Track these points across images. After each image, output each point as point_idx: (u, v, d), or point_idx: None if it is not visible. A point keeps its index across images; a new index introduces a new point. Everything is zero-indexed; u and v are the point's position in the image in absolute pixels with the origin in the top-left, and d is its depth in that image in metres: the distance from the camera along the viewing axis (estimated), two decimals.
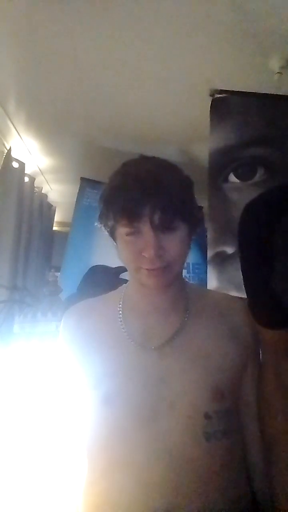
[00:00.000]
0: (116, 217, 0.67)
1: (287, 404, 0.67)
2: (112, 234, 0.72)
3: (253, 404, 0.73)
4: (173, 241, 0.67)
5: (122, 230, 0.67)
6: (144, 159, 0.73)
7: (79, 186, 2.86)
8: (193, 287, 0.85)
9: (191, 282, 2.73)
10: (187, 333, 0.73)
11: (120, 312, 0.78)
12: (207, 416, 0.67)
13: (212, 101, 1.68)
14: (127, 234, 0.67)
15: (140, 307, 0.78)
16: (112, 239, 0.74)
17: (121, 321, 0.77)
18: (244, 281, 0.73)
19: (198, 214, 0.74)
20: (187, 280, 0.85)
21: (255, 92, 1.64)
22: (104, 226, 0.72)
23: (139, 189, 0.65)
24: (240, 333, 0.75)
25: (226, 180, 1.65)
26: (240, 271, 0.72)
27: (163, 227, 0.65)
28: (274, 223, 0.68)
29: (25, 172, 2.56)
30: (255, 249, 0.70)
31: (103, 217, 0.71)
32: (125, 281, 0.84)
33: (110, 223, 0.69)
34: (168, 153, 2.35)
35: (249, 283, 0.71)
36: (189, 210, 0.70)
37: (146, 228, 0.65)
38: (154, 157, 0.74)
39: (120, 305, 0.79)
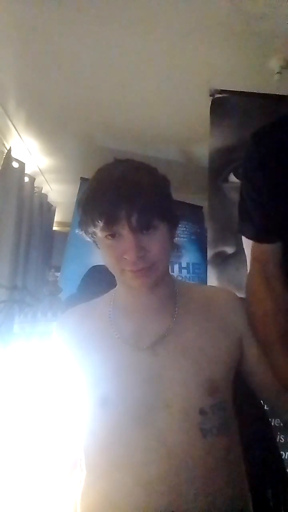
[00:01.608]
0: (94, 222, 0.67)
1: (277, 306, 0.76)
2: (94, 239, 0.73)
3: (260, 372, 0.76)
4: (154, 241, 0.68)
5: (102, 235, 0.68)
6: (117, 163, 0.74)
7: (79, 186, 2.86)
8: (182, 283, 0.86)
9: (191, 282, 2.73)
10: (177, 330, 0.74)
11: (110, 315, 0.79)
12: (202, 412, 0.67)
13: (212, 101, 1.69)
14: (108, 238, 0.68)
15: (129, 308, 0.78)
16: (94, 244, 0.75)
17: (111, 323, 0.77)
18: (240, 201, 0.84)
19: (176, 212, 0.74)
20: (185, 279, 0.86)
21: (255, 92, 1.64)
22: (84, 232, 0.73)
23: (114, 193, 0.65)
24: (229, 322, 0.77)
25: (226, 180, 1.65)
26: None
27: (142, 228, 0.66)
28: (278, 152, 0.75)
29: (25, 172, 2.56)
30: (259, 175, 0.78)
31: (82, 223, 0.72)
32: None
33: (90, 229, 0.70)
34: (168, 153, 2.35)
35: (245, 203, 0.82)
36: (167, 209, 0.71)
37: (125, 231, 0.66)
38: (127, 160, 0.75)
39: (110, 308, 0.80)
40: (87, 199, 0.70)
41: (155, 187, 0.69)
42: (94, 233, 0.70)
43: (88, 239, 0.74)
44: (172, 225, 0.73)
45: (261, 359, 0.77)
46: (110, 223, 0.65)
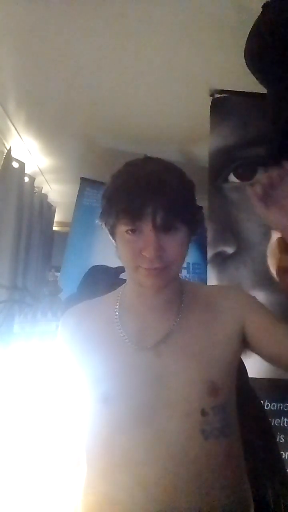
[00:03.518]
0: (118, 215, 0.67)
1: None
2: (112, 232, 0.72)
3: (277, 341, 0.72)
4: (173, 242, 0.68)
5: (123, 229, 0.68)
6: (148, 160, 0.74)
7: (79, 186, 2.86)
8: (188, 284, 0.86)
9: (197, 282, 2.73)
10: (180, 331, 0.74)
11: (117, 312, 0.79)
12: (203, 413, 0.67)
13: (212, 101, 1.69)
14: (128, 233, 0.67)
15: (135, 307, 0.78)
16: (111, 237, 0.74)
17: (117, 321, 0.77)
18: None
19: (198, 217, 0.75)
20: (186, 279, 0.86)
21: (255, 92, 1.64)
22: (105, 223, 0.73)
23: (143, 189, 0.65)
24: (227, 314, 0.76)
25: (226, 180, 1.65)
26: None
27: (165, 227, 0.66)
28: None
29: (25, 172, 2.56)
30: None
31: (105, 214, 0.71)
32: (125, 281, 0.84)
33: (112, 221, 0.70)
34: (168, 153, 2.34)
35: None
36: (190, 212, 0.71)
37: (147, 228, 0.65)
38: (158, 158, 0.75)
39: (117, 306, 0.80)
40: (114, 190, 0.69)
41: (183, 189, 0.69)
42: (114, 225, 0.70)
43: (106, 231, 0.74)
44: (192, 230, 0.72)
45: (276, 328, 0.72)
46: (134, 217, 0.65)
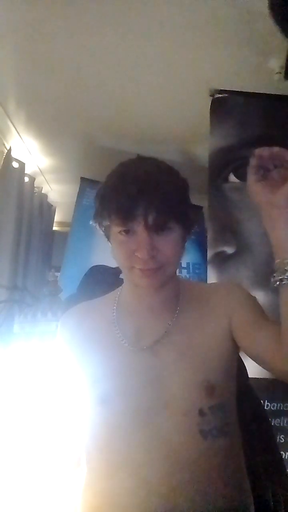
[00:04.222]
0: (111, 216, 0.67)
1: None
2: (107, 233, 0.73)
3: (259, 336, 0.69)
4: (167, 242, 0.67)
5: (116, 229, 0.68)
6: (141, 160, 0.74)
7: (79, 186, 2.86)
8: (186, 282, 0.85)
9: (195, 281, 2.73)
10: (176, 331, 0.74)
11: (114, 313, 0.78)
12: (201, 413, 0.67)
13: (212, 101, 1.69)
14: (121, 234, 0.67)
15: (132, 308, 0.78)
16: (106, 238, 0.74)
17: (115, 322, 0.77)
18: None
19: (192, 216, 0.74)
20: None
21: (255, 92, 1.64)
22: (98, 225, 0.73)
23: (135, 189, 0.65)
24: (218, 311, 0.74)
25: (226, 180, 1.65)
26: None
27: (157, 227, 0.66)
28: None
29: (25, 172, 2.56)
30: None
31: (98, 215, 0.71)
32: None
33: (105, 222, 0.70)
34: (168, 153, 2.34)
35: None
36: (184, 212, 0.70)
37: (140, 228, 0.65)
38: (151, 158, 0.74)
39: (115, 307, 0.80)
40: (106, 191, 0.69)
41: (175, 189, 0.69)
42: (108, 226, 0.70)
43: (101, 232, 0.74)
44: (187, 229, 0.72)
45: (258, 329, 0.70)
46: (126, 218, 0.65)
